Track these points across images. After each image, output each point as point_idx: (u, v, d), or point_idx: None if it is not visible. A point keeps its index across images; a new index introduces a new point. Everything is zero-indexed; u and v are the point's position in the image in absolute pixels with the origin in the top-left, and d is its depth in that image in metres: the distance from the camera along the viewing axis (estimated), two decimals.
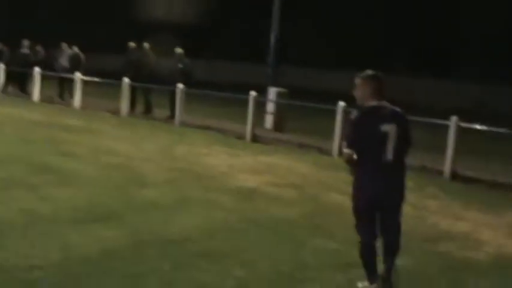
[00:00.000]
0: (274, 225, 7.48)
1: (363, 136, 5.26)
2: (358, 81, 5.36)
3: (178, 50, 18.16)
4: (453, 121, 11.95)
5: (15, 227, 6.64)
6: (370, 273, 5.48)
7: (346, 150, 5.33)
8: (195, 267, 5.84)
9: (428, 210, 8.90)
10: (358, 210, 5.40)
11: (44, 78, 21.47)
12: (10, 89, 23.13)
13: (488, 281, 6.21)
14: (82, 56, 22.07)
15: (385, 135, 5.22)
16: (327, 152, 13.68)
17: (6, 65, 22.69)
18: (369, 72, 5.41)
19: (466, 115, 13.39)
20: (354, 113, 5.39)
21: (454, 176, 11.69)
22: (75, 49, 22.15)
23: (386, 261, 5.50)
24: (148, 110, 18.84)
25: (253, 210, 8.18)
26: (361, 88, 5.34)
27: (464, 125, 12.20)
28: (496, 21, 28.82)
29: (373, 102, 5.30)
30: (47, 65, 21.92)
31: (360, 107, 5.39)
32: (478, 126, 12.73)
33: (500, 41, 28.92)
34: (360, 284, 5.62)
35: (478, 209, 9.23)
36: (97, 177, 9.48)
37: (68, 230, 6.63)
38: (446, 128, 12.07)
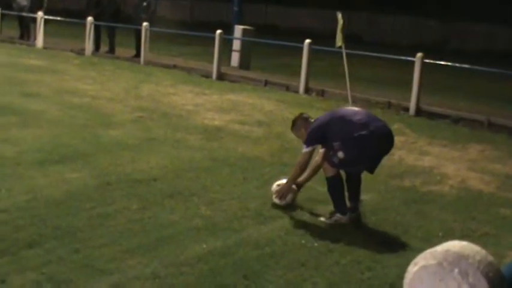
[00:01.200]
0: (241, 164, 7.51)
1: (337, 114, 5.84)
2: (294, 131, 6.14)
3: None
4: (418, 58, 11.98)
5: None
6: (343, 204, 5.76)
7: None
8: (163, 206, 5.85)
9: (394, 147, 8.96)
10: (367, 140, 5.73)
11: (4, 18, 20.91)
12: None
13: (451, 212, 6.35)
14: None
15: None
16: (293, 89, 13.69)
17: None
18: (293, 120, 6.16)
19: (429, 52, 13.43)
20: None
21: (420, 112, 11.80)
22: None
23: (358, 192, 5.88)
24: (112, 50, 18.53)
25: (220, 149, 8.18)
26: (298, 132, 6.07)
27: (429, 61, 12.25)
28: None
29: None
30: (5, 5, 21.25)
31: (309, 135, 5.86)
32: (443, 63, 12.80)
33: None
34: (326, 220, 5.73)
35: (442, 144, 9.37)
36: (62, 118, 9.36)
37: (33, 172, 6.57)
38: (411, 64, 12.10)
